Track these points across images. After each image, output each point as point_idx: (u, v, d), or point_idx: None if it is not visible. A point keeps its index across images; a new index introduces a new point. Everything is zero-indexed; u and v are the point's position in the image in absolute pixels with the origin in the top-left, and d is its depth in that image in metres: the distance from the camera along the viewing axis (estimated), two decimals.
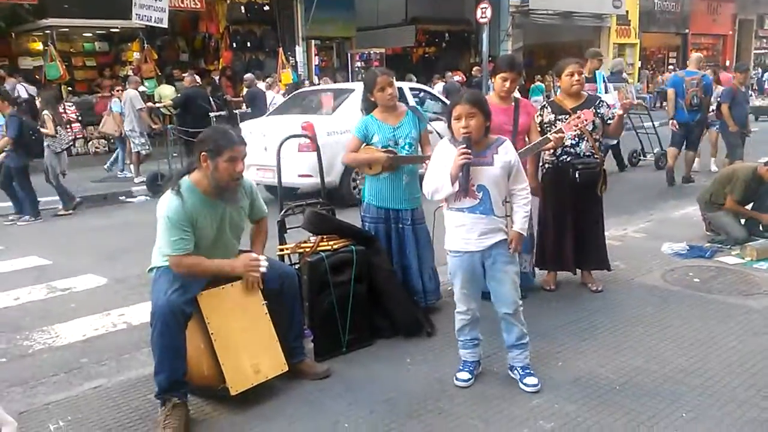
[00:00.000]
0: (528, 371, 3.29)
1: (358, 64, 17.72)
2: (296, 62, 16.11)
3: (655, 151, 10.71)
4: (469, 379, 3.32)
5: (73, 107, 13.20)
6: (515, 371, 3.33)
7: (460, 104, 3.08)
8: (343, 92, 8.90)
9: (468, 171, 3.02)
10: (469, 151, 3.00)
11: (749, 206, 5.90)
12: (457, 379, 3.33)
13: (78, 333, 4.44)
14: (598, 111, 4.41)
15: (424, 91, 10.08)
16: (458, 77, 17.76)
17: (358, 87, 6.18)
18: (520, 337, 3.29)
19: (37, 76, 13.74)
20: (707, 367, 3.43)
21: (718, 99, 9.01)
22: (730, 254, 5.40)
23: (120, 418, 3.12)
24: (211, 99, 11.72)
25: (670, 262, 5.28)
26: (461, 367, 3.38)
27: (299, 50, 16.29)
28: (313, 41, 16.75)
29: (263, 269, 3.16)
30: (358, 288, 3.74)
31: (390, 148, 3.97)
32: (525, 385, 3.24)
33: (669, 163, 9.15)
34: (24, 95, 11.54)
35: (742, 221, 5.78)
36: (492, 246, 3.17)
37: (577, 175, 4.34)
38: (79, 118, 13.21)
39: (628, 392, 3.19)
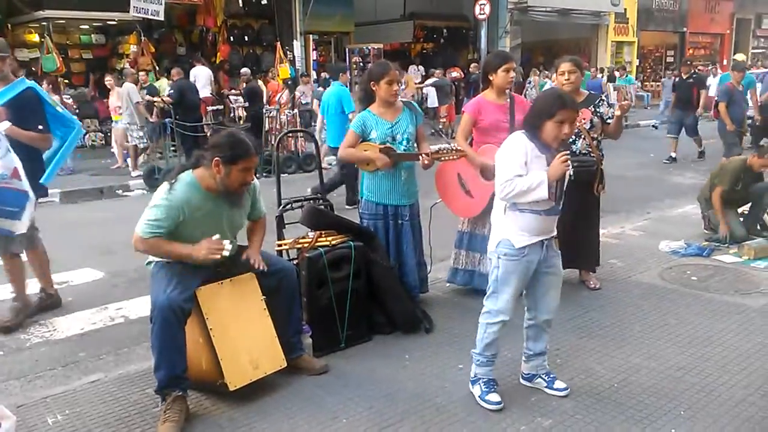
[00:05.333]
0: (553, 375, 3.21)
1: (355, 59, 17.67)
2: (294, 57, 16.06)
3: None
4: (501, 402, 3.05)
5: (71, 100, 13.13)
6: (538, 379, 3.20)
7: (567, 109, 2.82)
8: None
9: (565, 178, 2.89)
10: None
11: (747, 206, 5.92)
12: (488, 402, 3.04)
13: (75, 327, 4.43)
14: (598, 110, 4.40)
15: None
16: (456, 73, 17.76)
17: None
18: (546, 344, 3.21)
19: (33, 68, 13.67)
20: (705, 365, 3.44)
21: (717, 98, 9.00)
22: (727, 253, 5.41)
23: (118, 412, 3.12)
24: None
25: (667, 260, 5.29)
26: (487, 389, 3.08)
27: (297, 45, 16.23)
28: (311, 36, 16.70)
29: (226, 253, 3.08)
30: (357, 284, 3.73)
31: (388, 144, 3.97)
32: (557, 390, 3.14)
33: None
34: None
35: (741, 219, 5.80)
36: (549, 245, 3.00)
37: (570, 173, 4.31)
38: (77, 110, 13.15)
39: (626, 390, 3.20)
